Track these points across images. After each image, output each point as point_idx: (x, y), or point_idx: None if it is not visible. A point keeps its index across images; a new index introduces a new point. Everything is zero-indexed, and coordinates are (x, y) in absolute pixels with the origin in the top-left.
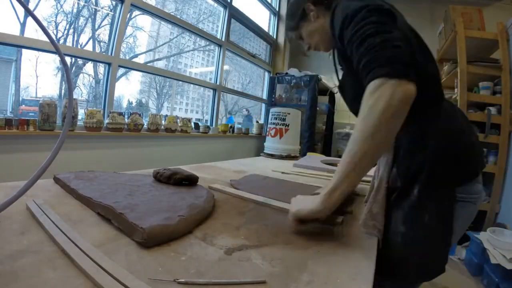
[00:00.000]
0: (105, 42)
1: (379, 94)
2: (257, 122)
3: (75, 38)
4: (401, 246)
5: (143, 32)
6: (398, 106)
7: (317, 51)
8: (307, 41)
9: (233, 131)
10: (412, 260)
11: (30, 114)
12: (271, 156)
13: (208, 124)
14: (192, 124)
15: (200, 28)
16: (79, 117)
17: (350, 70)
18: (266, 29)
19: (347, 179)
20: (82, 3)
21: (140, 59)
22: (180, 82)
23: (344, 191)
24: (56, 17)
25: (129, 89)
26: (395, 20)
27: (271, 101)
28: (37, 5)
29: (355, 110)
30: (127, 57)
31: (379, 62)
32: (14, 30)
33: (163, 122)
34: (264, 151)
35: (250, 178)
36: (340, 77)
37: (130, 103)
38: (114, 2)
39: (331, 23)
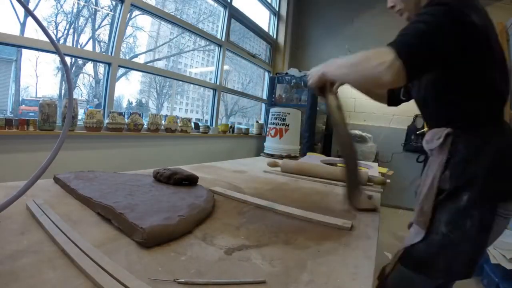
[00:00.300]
0: (105, 42)
1: (380, 54)
2: (257, 122)
3: (75, 38)
4: (439, 245)
5: (143, 32)
6: (375, 74)
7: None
8: (398, 1)
9: (233, 131)
10: (441, 259)
11: (30, 114)
12: (271, 156)
13: (208, 124)
14: (192, 124)
15: (200, 28)
16: (79, 117)
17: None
18: (266, 29)
19: (339, 70)
20: (82, 3)
21: (140, 59)
22: (180, 82)
23: (332, 75)
24: (56, 17)
25: (129, 89)
26: (465, 33)
27: (271, 101)
28: (37, 5)
29: (424, 101)
30: (127, 57)
31: (407, 38)
32: (14, 30)
33: (163, 122)
34: (264, 151)
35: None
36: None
37: (130, 103)
38: (114, 2)
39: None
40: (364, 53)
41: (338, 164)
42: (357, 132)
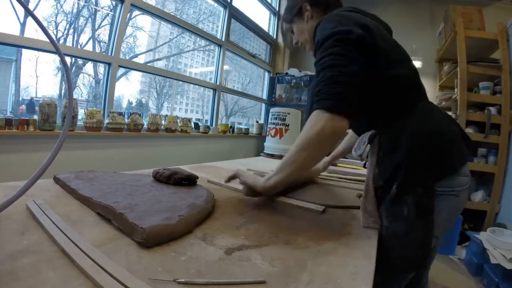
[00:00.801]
0: (105, 42)
1: (315, 122)
2: (257, 122)
3: (75, 38)
4: (385, 239)
5: (143, 32)
6: (324, 137)
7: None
8: (297, 37)
9: (233, 131)
10: (394, 252)
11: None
12: (271, 156)
13: (208, 124)
14: (192, 124)
15: (200, 28)
16: (79, 117)
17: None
18: (266, 29)
19: (283, 172)
20: (82, 3)
21: (140, 59)
22: (180, 82)
23: (279, 179)
24: (56, 17)
25: (129, 89)
26: (358, 48)
27: (271, 101)
28: (37, 5)
29: None
30: (127, 57)
31: (324, 95)
32: (14, 30)
33: (163, 122)
34: (264, 151)
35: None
36: None
37: (130, 103)
38: (114, 2)
39: (313, 36)
40: (301, 136)
41: (339, 165)
42: None
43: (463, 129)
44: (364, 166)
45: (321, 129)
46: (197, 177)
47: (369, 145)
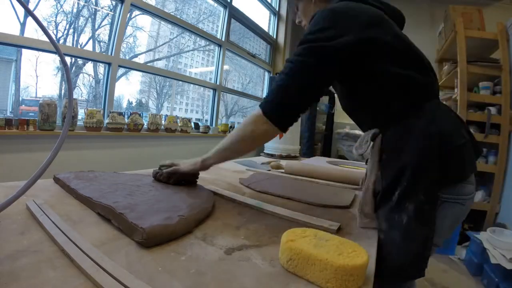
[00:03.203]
0: (105, 42)
1: (251, 120)
2: None
3: (75, 38)
4: (383, 244)
5: (143, 32)
6: (257, 137)
7: None
8: (301, 17)
9: None
10: (391, 259)
11: (30, 114)
12: (271, 156)
13: (208, 124)
14: (192, 124)
15: (200, 28)
16: (79, 117)
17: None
18: (266, 29)
19: (218, 156)
20: (82, 3)
21: (140, 59)
22: (180, 82)
23: (213, 162)
24: (56, 17)
25: (129, 89)
26: (333, 58)
27: None
28: (37, 5)
29: (346, 111)
30: (127, 57)
31: (271, 99)
32: (14, 30)
33: (163, 122)
34: (264, 151)
35: (258, 176)
36: None
37: (130, 103)
38: (114, 2)
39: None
40: (237, 128)
41: (340, 165)
42: (357, 132)
43: (472, 134)
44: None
45: (252, 129)
46: (197, 176)
47: (371, 143)
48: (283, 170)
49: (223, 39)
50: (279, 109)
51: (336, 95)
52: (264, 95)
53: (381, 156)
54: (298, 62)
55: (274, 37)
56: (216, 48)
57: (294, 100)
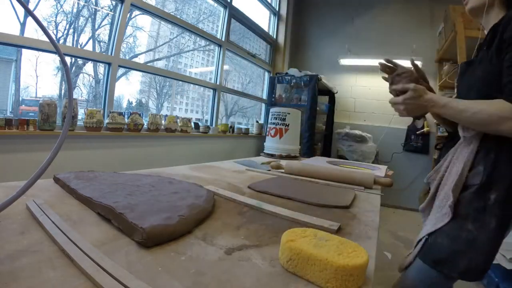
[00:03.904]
0: (105, 42)
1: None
2: (257, 122)
3: (75, 38)
4: (464, 242)
5: (143, 32)
6: (501, 125)
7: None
8: None
9: (233, 131)
10: (466, 258)
11: (30, 114)
12: (271, 156)
13: (208, 124)
14: (192, 124)
15: (200, 28)
16: (79, 117)
17: (487, 67)
18: (266, 29)
19: (447, 108)
20: (82, 3)
21: (140, 59)
22: (180, 82)
23: (439, 111)
24: (56, 17)
25: (129, 89)
26: None
27: (271, 101)
28: (37, 5)
29: (462, 95)
30: (127, 57)
31: None
32: (14, 30)
33: (163, 122)
34: (264, 151)
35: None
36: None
37: (130, 103)
38: (114, 2)
39: (502, 22)
40: (496, 112)
41: (340, 165)
42: (357, 132)
43: None
44: (436, 147)
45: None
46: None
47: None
48: (283, 170)
49: (223, 39)
50: None
51: (336, 95)
52: (264, 95)
53: (479, 148)
54: None
55: (274, 37)
56: (216, 48)
57: None
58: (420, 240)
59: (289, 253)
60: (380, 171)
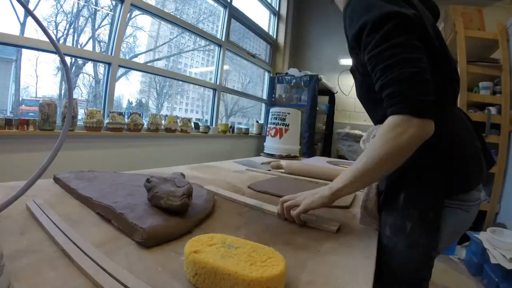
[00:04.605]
0: (105, 42)
1: (403, 130)
2: (257, 122)
3: (75, 38)
4: (385, 249)
5: (143, 32)
6: (417, 143)
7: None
8: None
9: (233, 131)
10: (394, 265)
11: (30, 114)
12: (271, 156)
13: (208, 124)
14: (192, 124)
15: (200, 28)
16: (79, 117)
17: (360, 71)
18: (266, 29)
19: (354, 184)
20: (82, 3)
21: (140, 59)
22: (180, 82)
23: (349, 192)
24: (56, 17)
25: (129, 89)
26: (422, 33)
27: (271, 101)
28: (37, 5)
29: (361, 100)
30: (127, 57)
31: (405, 97)
32: (14, 30)
33: (163, 122)
34: (264, 151)
35: (266, 180)
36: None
37: (130, 103)
38: (114, 2)
39: (344, 13)
40: (383, 145)
41: (340, 165)
42: (357, 132)
43: (485, 143)
44: None
45: (413, 135)
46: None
47: None
48: (283, 170)
49: (223, 39)
50: (427, 102)
51: (336, 95)
52: (264, 95)
53: None
54: (401, 45)
55: (274, 37)
56: (216, 48)
57: (430, 85)
58: None
59: (193, 267)
60: None
